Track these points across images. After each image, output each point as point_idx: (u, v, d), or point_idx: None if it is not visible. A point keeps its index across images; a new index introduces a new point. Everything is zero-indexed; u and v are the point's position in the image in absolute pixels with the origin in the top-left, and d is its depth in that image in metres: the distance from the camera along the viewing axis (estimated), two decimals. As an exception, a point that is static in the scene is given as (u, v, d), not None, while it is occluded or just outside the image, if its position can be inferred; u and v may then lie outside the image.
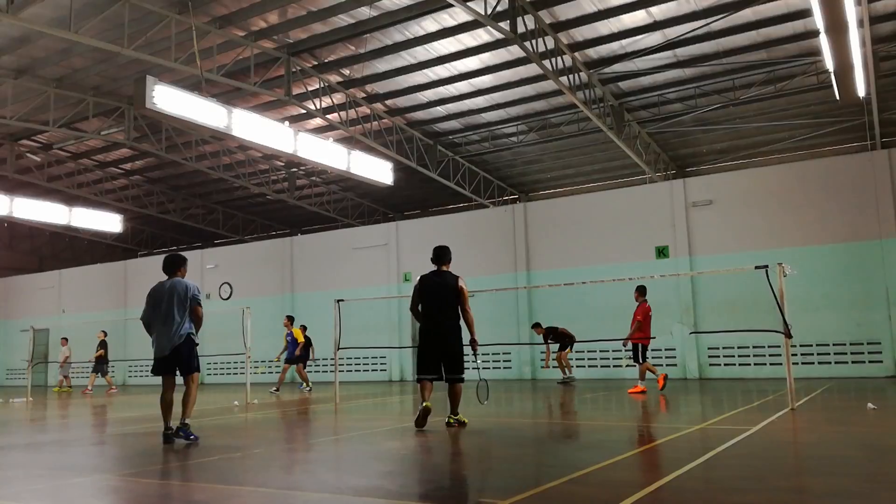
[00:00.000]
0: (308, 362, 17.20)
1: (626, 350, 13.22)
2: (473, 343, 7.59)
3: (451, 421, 7.60)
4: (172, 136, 18.88)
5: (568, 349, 15.94)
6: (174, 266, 7.37)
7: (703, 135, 19.32)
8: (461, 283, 7.63)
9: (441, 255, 7.78)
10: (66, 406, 14.47)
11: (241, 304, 15.55)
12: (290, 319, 17.16)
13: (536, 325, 16.77)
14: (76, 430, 9.52)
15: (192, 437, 7.02)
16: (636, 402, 10.65)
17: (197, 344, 7.17)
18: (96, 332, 20.62)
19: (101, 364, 19.84)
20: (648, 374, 12.48)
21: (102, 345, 20.04)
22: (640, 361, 12.31)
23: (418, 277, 7.83)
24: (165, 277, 7.33)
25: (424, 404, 7.41)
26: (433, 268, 7.85)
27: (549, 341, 16.28)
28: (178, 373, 7.17)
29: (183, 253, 9.96)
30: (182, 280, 7.30)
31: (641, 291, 12.42)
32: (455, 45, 14.35)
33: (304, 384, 16.54)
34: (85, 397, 17.80)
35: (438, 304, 7.55)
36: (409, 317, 8.29)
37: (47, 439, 8.31)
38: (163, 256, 7.65)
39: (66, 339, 21.76)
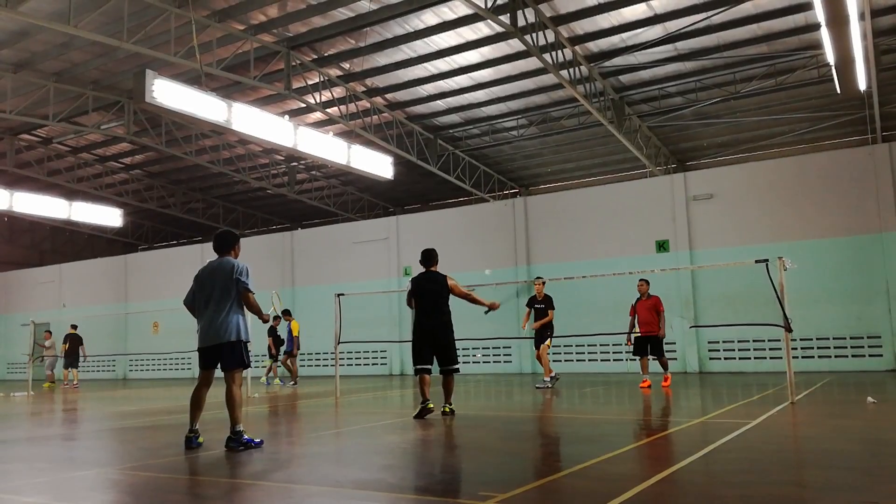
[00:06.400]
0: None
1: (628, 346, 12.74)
2: (493, 305, 8.49)
3: (447, 410, 8.17)
4: (172, 131, 18.86)
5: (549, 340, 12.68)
6: (223, 243, 6.36)
7: (704, 128, 19.29)
8: (450, 280, 8.34)
9: (430, 257, 8.46)
10: (67, 401, 14.49)
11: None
12: (288, 313, 17.38)
13: (540, 281, 12.91)
14: (77, 424, 9.54)
15: (249, 441, 5.98)
16: (636, 397, 10.66)
17: (247, 342, 6.19)
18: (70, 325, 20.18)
19: (71, 357, 19.34)
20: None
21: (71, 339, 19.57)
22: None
23: (410, 280, 8.45)
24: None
25: (428, 405, 7.96)
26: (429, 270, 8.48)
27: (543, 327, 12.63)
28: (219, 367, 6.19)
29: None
30: (231, 259, 6.27)
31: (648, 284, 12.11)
32: (455, 39, 14.32)
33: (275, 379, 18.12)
34: (77, 392, 17.65)
35: (431, 302, 8.20)
36: (409, 311, 8.64)
37: (49, 433, 8.33)
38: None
39: (51, 333, 21.08)
